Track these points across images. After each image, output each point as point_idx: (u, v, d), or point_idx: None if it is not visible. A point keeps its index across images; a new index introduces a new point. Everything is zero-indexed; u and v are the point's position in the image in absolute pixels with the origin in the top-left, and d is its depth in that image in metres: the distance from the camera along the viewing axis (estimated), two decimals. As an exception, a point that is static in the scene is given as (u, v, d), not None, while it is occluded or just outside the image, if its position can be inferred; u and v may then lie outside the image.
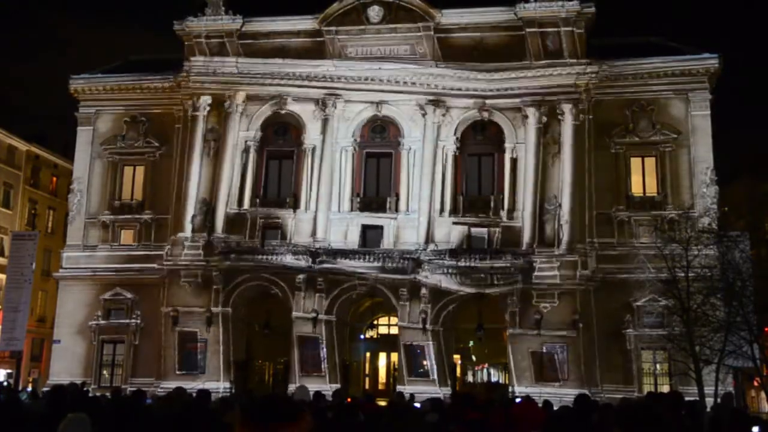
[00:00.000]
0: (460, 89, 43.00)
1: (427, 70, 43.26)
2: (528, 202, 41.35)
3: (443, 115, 43.09)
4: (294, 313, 41.59)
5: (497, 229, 41.89)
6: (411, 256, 40.96)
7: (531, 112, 42.25)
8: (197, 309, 42.28)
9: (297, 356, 41.12)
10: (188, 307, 42.36)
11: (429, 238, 41.78)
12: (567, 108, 41.93)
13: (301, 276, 41.43)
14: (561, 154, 41.79)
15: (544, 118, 42.01)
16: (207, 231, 43.06)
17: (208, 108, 44.68)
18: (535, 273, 40.10)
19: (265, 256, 41.93)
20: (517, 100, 42.59)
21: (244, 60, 44.78)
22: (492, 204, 42.71)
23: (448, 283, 40.49)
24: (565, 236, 40.60)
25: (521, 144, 42.40)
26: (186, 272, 42.72)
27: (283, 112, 44.81)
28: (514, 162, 42.49)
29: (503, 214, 42.01)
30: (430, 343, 40.56)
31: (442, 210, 42.45)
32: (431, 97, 43.15)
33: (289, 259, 41.68)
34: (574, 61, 42.32)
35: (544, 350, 39.47)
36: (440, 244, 41.67)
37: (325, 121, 43.92)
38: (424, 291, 40.52)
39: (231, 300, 42.49)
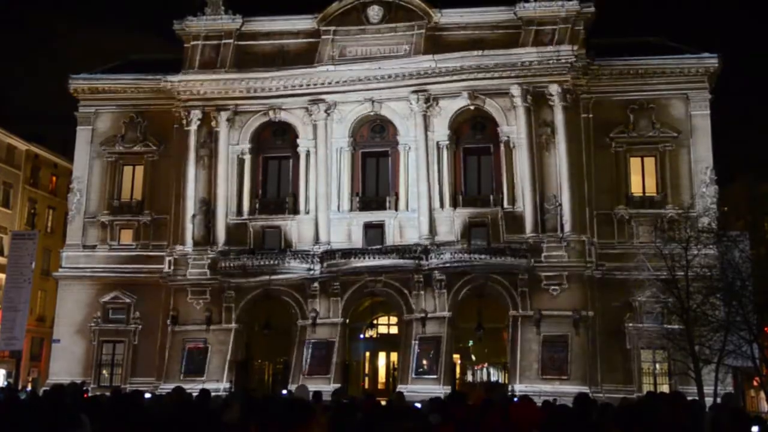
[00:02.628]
0: (446, 69, 42.56)
1: (423, 65, 43.11)
2: (527, 195, 41.19)
3: (427, 102, 42.68)
4: (308, 320, 41.44)
5: (499, 222, 41.81)
6: (421, 246, 40.96)
7: (515, 90, 41.90)
8: (201, 316, 42.39)
9: (305, 358, 40.99)
10: (193, 318, 42.52)
11: (432, 234, 41.79)
12: (554, 89, 41.73)
13: (316, 284, 41.43)
14: (555, 140, 41.64)
15: (530, 98, 41.81)
16: (209, 244, 43.07)
17: (199, 122, 44.65)
18: (544, 254, 40.14)
19: (274, 269, 41.69)
20: (504, 80, 42.31)
21: (236, 74, 44.52)
22: (491, 200, 42.69)
23: (460, 267, 40.29)
24: (566, 232, 40.60)
25: (513, 127, 42.21)
26: (194, 290, 42.78)
27: (276, 119, 44.81)
28: (509, 152, 42.36)
29: (504, 207, 42.00)
30: (445, 332, 40.38)
31: (442, 206, 42.46)
32: (419, 87, 42.95)
33: (299, 268, 41.62)
34: (564, 46, 42.07)
35: (550, 334, 39.33)
36: (443, 240, 41.68)
37: (320, 124, 43.88)
38: (438, 275, 40.41)
39: (239, 313, 42.54)
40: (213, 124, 44.56)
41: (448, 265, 40.45)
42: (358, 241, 42.77)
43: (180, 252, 43.36)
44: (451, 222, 42.31)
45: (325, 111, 43.77)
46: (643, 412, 9.86)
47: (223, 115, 44.47)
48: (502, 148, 42.73)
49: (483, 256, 40.22)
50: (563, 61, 41.65)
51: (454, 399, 13.52)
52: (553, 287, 40.00)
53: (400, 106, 43.69)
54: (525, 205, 41.35)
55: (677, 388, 36.29)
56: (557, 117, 41.79)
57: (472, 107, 43.14)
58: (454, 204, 42.77)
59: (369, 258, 41.19)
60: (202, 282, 42.67)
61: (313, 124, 44.06)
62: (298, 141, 44.42)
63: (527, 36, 42.74)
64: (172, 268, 43.24)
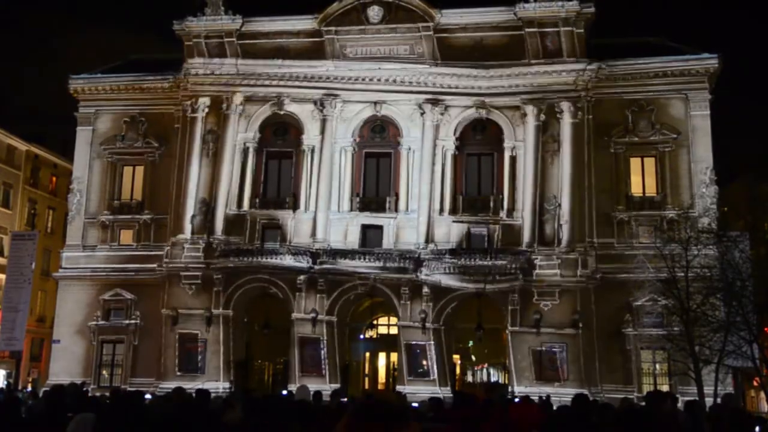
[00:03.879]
0: (458, 87, 42.96)
1: (426, 69, 43.30)
2: (527, 202, 41.42)
3: (441, 114, 43.15)
4: (294, 315, 41.63)
5: (497, 227, 41.94)
6: (412, 255, 41.03)
7: (529, 110, 42.28)
8: (197, 309, 42.34)
9: (297, 356, 41.15)
10: (188, 309, 42.46)
11: (429, 238, 41.83)
12: (566, 106, 41.97)
13: (302, 277, 41.48)
14: (560, 152, 41.84)
15: (543, 117, 42.06)
16: (207, 232, 43.17)
17: (206, 110, 44.76)
18: (536, 271, 40.17)
19: (264, 258, 41.90)
20: (516, 98, 42.61)
21: (243, 61, 44.83)
22: (491, 203, 42.76)
23: (449, 281, 40.46)
24: (564, 236, 40.71)
25: (520, 143, 42.43)
26: (186, 274, 42.80)
27: (281, 112, 44.90)
28: (513, 161, 42.54)
29: (503, 213, 42.12)
30: (432, 342, 40.57)
31: (441, 209, 42.49)
32: (429, 96, 43.18)
33: (289, 261, 41.73)
34: (573, 60, 42.39)
35: (544, 349, 39.50)
36: (440, 243, 41.74)
37: (323, 122, 43.99)
38: (425, 290, 40.51)
39: (231, 302, 42.54)
40: (224, 107, 44.55)
41: (437, 283, 40.48)
42: (355, 241, 42.75)
43: (178, 240, 43.32)
44: (448, 228, 42.34)
45: (337, 106, 43.81)
46: (643, 413, 9.86)
47: (237, 99, 44.55)
48: (506, 158, 42.81)
49: (477, 267, 40.09)
50: (578, 79, 41.90)
51: (462, 399, 13.52)
52: (544, 303, 40.10)
53: (403, 108, 43.72)
54: (524, 215, 41.40)
55: (677, 389, 36.40)
56: (565, 131, 41.94)
57: (478, 115, 43.31)
58: (454, 210, 42.77)
59: (360, 260, 41.22)
60: (195, 266, 42.54)
61: (322, 119, 44.08)
62: (303, 137, 44.42)
63: (532, 41, 42.59)
64: (166, 251, 43.25)
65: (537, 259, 40.35)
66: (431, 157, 42.76)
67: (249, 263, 42.01)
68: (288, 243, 42.87)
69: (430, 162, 42.71)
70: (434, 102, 43.09)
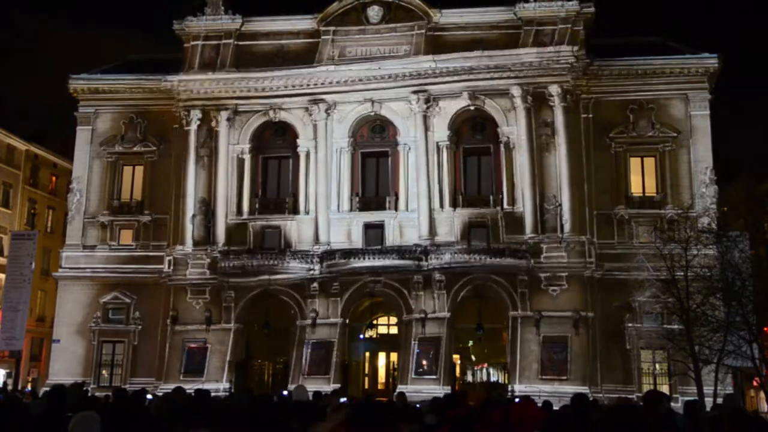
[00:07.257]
0: (451, 73, 42.51)
1: (422, 64, 43.00)
2: (527, 200, 41.24)
3: (429, 105, 42.72)
4: (307, 320, 41.50)
5: (499, 221, 41.78)
6: (419, 247, 40.95)
7: (516, 91, 41.87)
8: (199, 313, 42.43)
9: (305, 358, 40.99)
10: (190, 313, 42.59)
11: (431, 234, 41.79)
12: (555, 90, 41.67)
13: (315, 284, 41.43)
14: (556, 140, 41.62)
15: (529, 98, 41.79)
16: (209, 243, 43.10)
17: (199, 122, 44.64)
18: (543, 254, 40.10)
19: (271, 266, 41.74)
20: (505, 81, 42.20)
21: (236, 74, 44.49)
22: (491, 199, 42.67)
23: (461, 257, 40.26)
24: (566, 233, 40.61)
25: (513, 128, 42.18)
26: (193, 290, 42.82)
27: (276, 120, 44.82)
28: (510, 155, 42.32)
29: (504, 206, 41.99)
30: (444, 334, 40.35)
31: (441, 206, 42.45)
32: (423, 88, 42.87)
33: (297, 267, 41.67)
34: (564, 45, 41.95)
35: (549, 335, 39.32)
36: (442, 240, 41.68)
37: (320, 124, 43.89)
38: (437, 275, 40.34)
39: (238, 311, 42.56)
40: (213, 123, 44.57)
41: (447, 265, 40.37)
42: (358, 241, 42.79)
43: (180, 252, 43.36)
44: (450, 222, 42.31)
45: (325, 111, 43.80)
46: (640, 413, 9.85)
47: (223, 115, 44.48)
48: (502, 148, 42.70)
49: (482, 257, 40.21)
50: (563, 61, 41.64)
51: (452, 399, 13.54)
52: (552, 288, 39.99)
53: (401, 106, 43.68)
54: (525, 205, 41.36)
55: (677, 389, 36.45)
56: (557, 118, 41.78)
57: (472, 107, 43.08)
58: (454, 204, 42.77)
59: (369, 258, 41.16)
60: (201, 282, 42.71)
61: (313, 124, 44.07)
62: (298, 141, 44.44)
63: (527, 36, 42.76)
64: (171, 268, 43.25)
65: (543, 243, 40.22)
66: (427, 153, 42.61)
67: (258, 277, 41.90)
68: (293, 248, 42.73)
69: (427, 158, 42.58)
70: (426, 93, 42.70)
